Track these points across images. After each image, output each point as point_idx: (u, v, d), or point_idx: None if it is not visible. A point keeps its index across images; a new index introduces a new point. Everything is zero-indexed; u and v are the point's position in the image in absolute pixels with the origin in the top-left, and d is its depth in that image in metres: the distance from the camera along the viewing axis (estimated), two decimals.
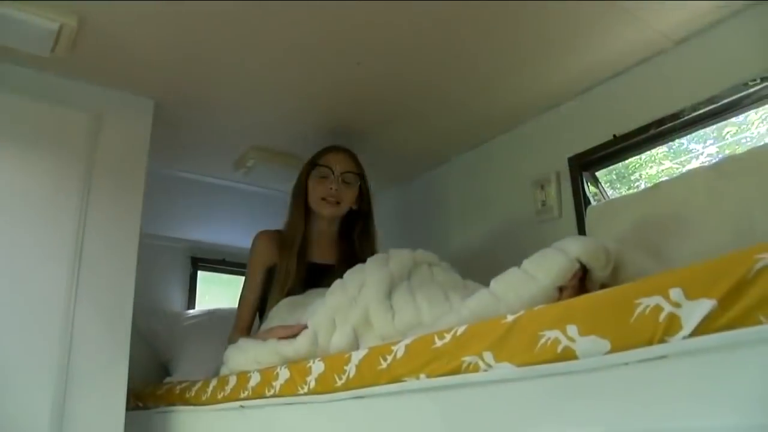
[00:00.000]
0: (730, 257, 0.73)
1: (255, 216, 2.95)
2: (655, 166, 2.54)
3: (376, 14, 1.73)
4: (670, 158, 2.51)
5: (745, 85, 1.66)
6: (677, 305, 0.74)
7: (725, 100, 1.71)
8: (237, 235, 2.92)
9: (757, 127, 2.08)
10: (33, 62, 1.88)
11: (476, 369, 0.98)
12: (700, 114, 1.78)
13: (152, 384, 2.30)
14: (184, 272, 2.82)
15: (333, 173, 2.07)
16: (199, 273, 2.87)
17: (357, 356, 1.27)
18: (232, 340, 1.95)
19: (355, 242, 2.16)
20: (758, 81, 1.62)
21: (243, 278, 2.92)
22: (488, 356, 0.96)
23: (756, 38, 1.68)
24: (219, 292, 2.97)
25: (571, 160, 2.13)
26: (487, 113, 2.30)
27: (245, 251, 2.90)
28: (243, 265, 2.89)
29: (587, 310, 0.85)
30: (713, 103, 1.74)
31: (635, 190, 2.16)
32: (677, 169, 2.41)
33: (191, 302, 2.80)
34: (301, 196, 2.12)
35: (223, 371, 1.84)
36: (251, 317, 2.09)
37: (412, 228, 2.85)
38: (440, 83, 2.10)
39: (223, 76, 2.04)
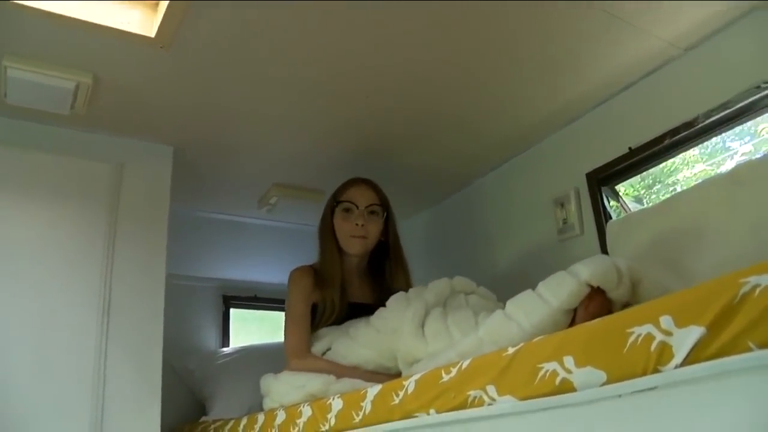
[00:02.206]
0: (717, 282, 0.71)
1: (283, 251, 2.98)
2: (689, 168, 2.47)
3: (385, 47, 1.76)
4: (703, 160, 2.45)
5: (758, 88, 1.62)
6: (668, 333, 0.73)
7: (738, 105, 1.67)
8: (267, 271, 2.95)
9: None
10: (54, 119, 1.95)
11: (481, 403, 0.97)
12: (714, 120, 1.73)
13: (188, 423, 2.33)
14: (217, 310, 2.85)
15: (357, 208, 2.02)
16: (232, 310, 2.90)
17: (372, 392, 1.28)
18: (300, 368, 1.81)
19: (386, 275, 2.09)
20: None
21: (276, 313, 3.00)
22: (491, 390, 0.96)
23: (765, 40, 1.64)
24: (252, 329, 2.99)
25: (588, 175, 2.10)
26: (502, 135, 2.29)
27: (276, 286, 2.94)
28: (275, 301, 2.94)
29: (582, 341, 0.84)
30: (727, 109, 1.69)
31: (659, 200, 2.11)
32: (712, 170, 2.34)
33: (225, 340, 2.83)
34: (329, 234, 2.06)
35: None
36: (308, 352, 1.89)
37: (436, 255, 2.84)
38: (453, 109, 2.10)
39: (238, 120, 2.09)
